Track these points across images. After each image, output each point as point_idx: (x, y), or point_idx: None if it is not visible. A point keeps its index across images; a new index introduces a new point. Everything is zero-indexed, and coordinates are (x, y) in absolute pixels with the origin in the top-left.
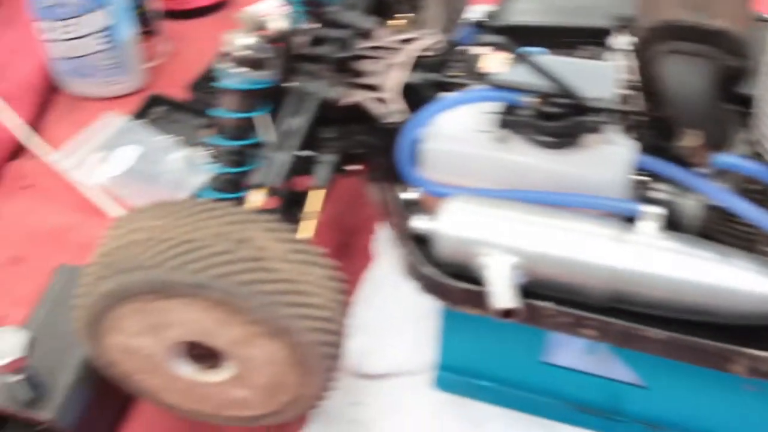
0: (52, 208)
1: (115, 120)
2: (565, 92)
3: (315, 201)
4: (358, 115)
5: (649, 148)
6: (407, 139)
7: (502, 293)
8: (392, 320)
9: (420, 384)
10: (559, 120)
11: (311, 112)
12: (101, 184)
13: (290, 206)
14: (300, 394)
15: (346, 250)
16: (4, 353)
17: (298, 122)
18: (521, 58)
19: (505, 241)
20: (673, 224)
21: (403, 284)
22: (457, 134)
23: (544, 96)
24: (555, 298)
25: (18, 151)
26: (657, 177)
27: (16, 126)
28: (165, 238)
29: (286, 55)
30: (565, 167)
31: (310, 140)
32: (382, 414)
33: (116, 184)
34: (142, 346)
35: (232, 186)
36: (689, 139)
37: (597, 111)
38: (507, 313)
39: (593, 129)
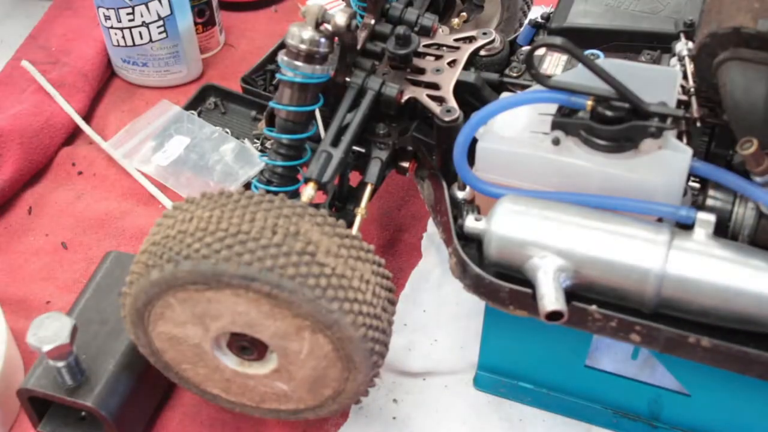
0: (102, 195)
1: (169, 109)
2: (624, 96)
3: (365, 197)
4: (414, 112)
5: (702, 155)
6: (464, 137)
7: (550, 295)
8: (436, 318)
9: (460, 383)
10: (617, 124)
11: (366, 107)
12: (151, 173)
13: (342, 201)
14: (342, 389)
15: (395, 247)
16: (47, 339)
17: (353, 117)
18: (581, 61)
19: (554, 244)
20: (726, 232)
21: (448, 283)
22: (511, 134)
23: (602, 99)
24: (601, 302)
25: (71, 137)
26: (711, 183)
27: (70, 112)
28: (216, 229)
29: (346, 50)
30: (619, 171)
31: (364, 135)
32: (421, 412)
33: (166, 173)
34: (189, 335)
35: (283, 179)
36: (747, 147)
37: (657, 116)
38: (553, 316)
39: (653, 135)
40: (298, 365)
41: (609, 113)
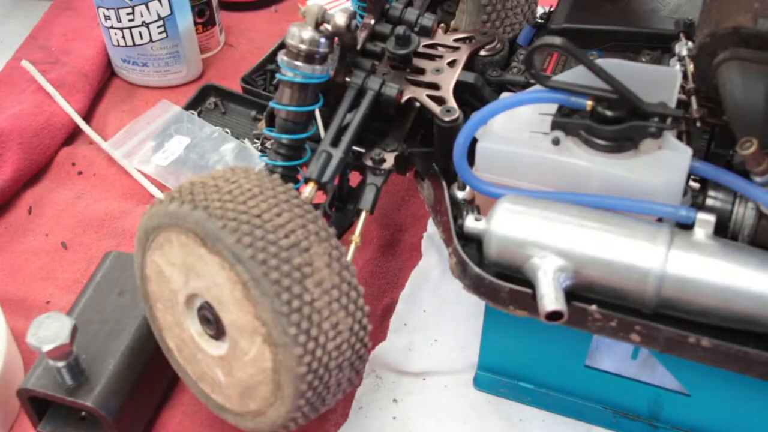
0: (102, 195)
1: (169, 109)
2: (624, 96)
3: (360, 224)
4: (414, 112)
5: (702, 155)
6: (464, 138)
7: (550, 295)
8: (436, 318)
9: (460, 383)
10: (617, 124)
11: (366, 107)
12: (151, 173)
13: (342, 201)
14: (263, 411)
15: (395, 247)
16: (47, 339)
17: (353, 117)
18: (581, 61)
19: (554, 244)
20: (726, 232)
21: (448, 283)
22: (511, 134)
23: (602, 99)
24: (601, 302)
25: (71, 137)
26: (711, 183)
27: (70, 112)
28: (244, 201)
29: (345, 50)
30: (618, 171)
31: (364, 136)
32: (421, 412)
33: (166, 173)
34: (173, 278)
35: (283, 179)
36: (747, 147)
37: (656, 116)
38: (553, 316)
39: (653, 135)
40: (240, 365)
41: (609, 113)
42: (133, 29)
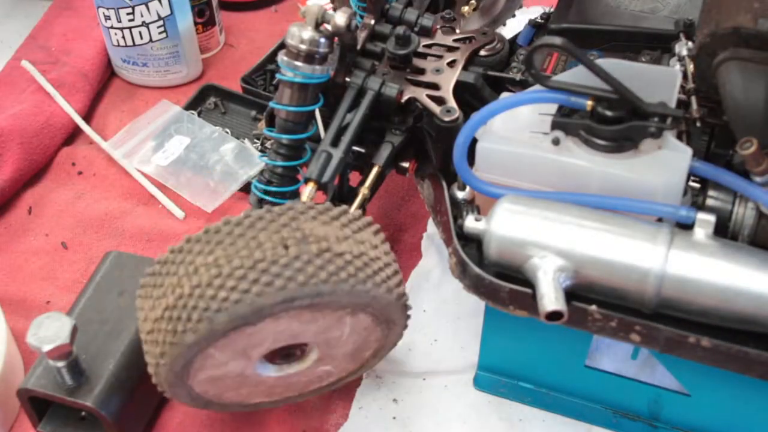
0: (102, 195)
1: (169, 109)
2: (624, 96)
3: (371, 177)
4: (414, 112)
5: (702, 155)
6: (464, 138)
7: (549, 295)
8: (436, 318)
9: (460, 383)
10: (617, 124)
11: (366, 107)
12: (151, 173)
13: (342, 201)
14: (382, 345)
15: (395, 247)
16: (47, 339)
17: (352, 117)
18: (581, 61)
19: (554, 244)
20: (726, 232)
21: (448, 283)
22: (510, 134)
23: (602, 99)
24: (601, 303)
25: (71, 137)
26: (711, 183)
27: (70, 112)
28: (232, 270)
29: (345, 50)
30: (618, 171)
31: (365, 136)
32: (421, 412)
33: (166, 173)
34: (230, 370)
35: (283, 179)
36: (747, 147)
37: (657, 116)
38: (553, 316)
39: (653, 134)
40: (340, 346)
41: (609, 113)
42: (133, 29)
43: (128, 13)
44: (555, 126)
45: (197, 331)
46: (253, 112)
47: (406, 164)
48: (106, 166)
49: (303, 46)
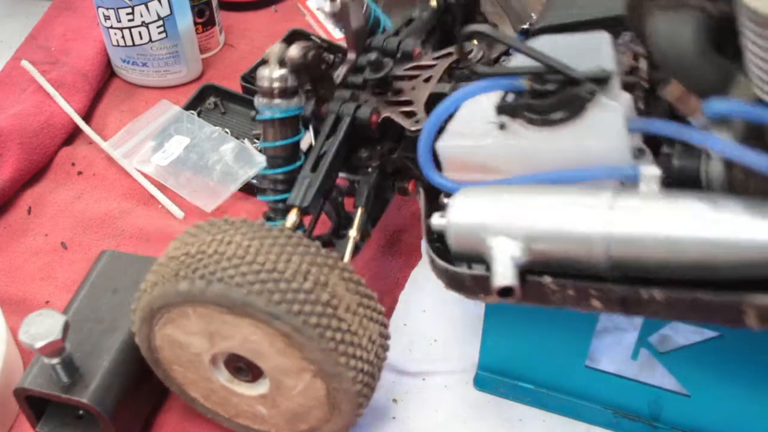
0: (102, 195)
1: (169, 109)
2: (552, 68)
3: (356, 220)
4: (391, 131)
5: (664, 115)
6: (423, 143)
7: (498, 272)
8: (436, 318)
9: (460, 383)
10: (550, 97)
11: (343, 133)
12: (151, 173)
13: (343, 228)
14: (318, 428)
15: (395, 247)
16: (39, 336)
17: (330, 144)
18: (505, 43)
19: (504, 224)
20: (689, 184)
21: None
22: (462, 129)
23: (537, 76)
24: (563, 277)
25: (71, 137)
26: (676, 144)
27: (70, 112)
28: (253, 261)
29: (315, 81)
30: (566, 143)
31: (349, 161)
32: (421, 412)
33: (166, 173)
34: (193, 344)
35: (281, 213)
36: (672, 89)
37: (588, 81)
38: (504, 292)
39: (586, 99)
40: (287, 398)
41: (543, 88)
42: (132, 29)
43: (128, 13)
44: (499, 111)
45: (192, 284)
46: (253, 112)
47: (405, 184)
48: (106, 166)
49: (275, 84)
